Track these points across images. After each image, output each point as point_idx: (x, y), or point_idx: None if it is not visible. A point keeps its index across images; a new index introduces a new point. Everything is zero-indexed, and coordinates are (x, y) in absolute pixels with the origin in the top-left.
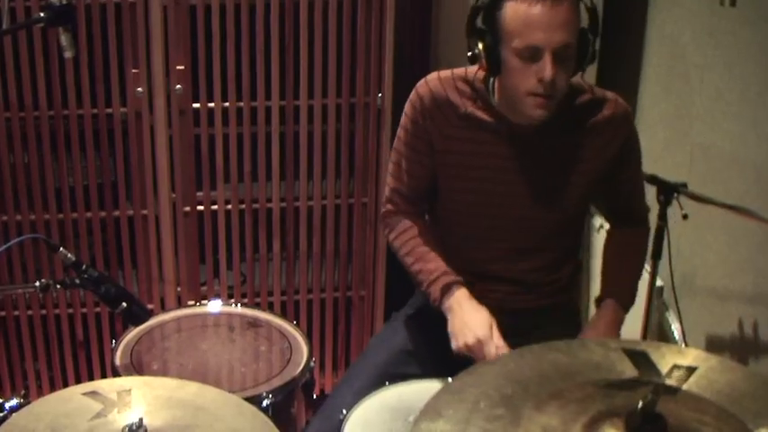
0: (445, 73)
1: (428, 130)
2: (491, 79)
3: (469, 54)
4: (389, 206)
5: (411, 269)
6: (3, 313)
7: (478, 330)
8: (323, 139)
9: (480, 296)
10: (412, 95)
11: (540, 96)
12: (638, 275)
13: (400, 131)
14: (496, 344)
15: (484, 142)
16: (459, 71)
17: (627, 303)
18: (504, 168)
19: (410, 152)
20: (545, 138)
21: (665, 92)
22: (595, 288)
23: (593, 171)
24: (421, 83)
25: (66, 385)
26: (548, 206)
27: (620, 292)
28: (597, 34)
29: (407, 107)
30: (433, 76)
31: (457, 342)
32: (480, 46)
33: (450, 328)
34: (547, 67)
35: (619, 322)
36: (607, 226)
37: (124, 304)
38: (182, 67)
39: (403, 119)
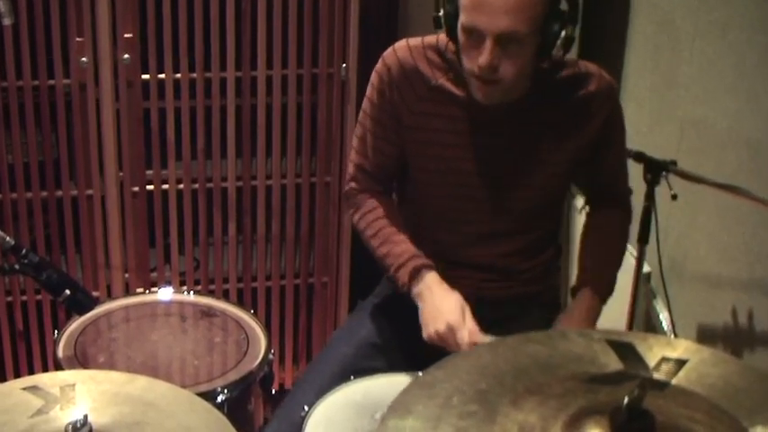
0: (415, 41)
1: (395, 104)
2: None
3: (434, 16)
4: (353, 184)
5: (377, 252)
6: None
7: (450, 316)
8: (283, 113)
9: (452, 284)
10: (378, 65)
11: (479, 80)
12: (618, 263)
13: (365, 104)
14: (470, 330)
15: (455, 118)
16: (431, 39)
17: (604, 294)
18: (477, 146)
19: (376, 127)
20: (522, 113)
21: (652, 62)
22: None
23: (573, 149)
24: (389, 51)
25: (4, 379)
26: (525, 186)
27: (596, 281)
28: (575, 22)
29: (374, 77)
30: (401, 44)
31: (427, 330)
32: (441, 12)
33: (420, 317)
34: (485, 53)
35: (594, 314)
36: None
37: (67, 292)
38: (130, 35)
39: (369, 90)
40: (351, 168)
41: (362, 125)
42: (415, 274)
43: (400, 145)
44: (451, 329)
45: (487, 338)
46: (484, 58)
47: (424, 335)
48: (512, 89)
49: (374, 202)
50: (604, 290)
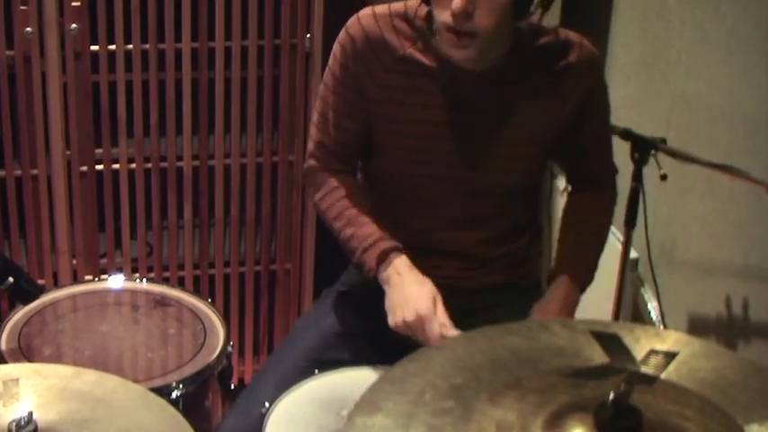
0: (381, 9)
1: (360, 77)
2: (432, 17)
3: None
4: (313, 161)
5: (341, 235)
6: None
7: (420, 305)
8: (242, 87)
9: (424, 273)
10: (341, 35)
11: (452, 32)
12: (600, 248)
13: (327, 77)
14: (441, 322)
15: (424, 91)
16: (398, 6)
17: (583, 281)
18: (448, 122)
19: (338, 102)
20: (497, 86)
21: (640, 33)
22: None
23: (553, 125)
24: (352, 20)
25: None
26: (500, 165)
27: (576, 267)
28: None
29: (336, 49)
30: (366, 12)
31: (395, 318)
32: None
33: (387, 303)
34: None
35: (572, 303)
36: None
37: (11, 279)
38: (77, 3)
39: (331, 62)
40: (310, 145)
41: (324, 100)
42: (384, 258)
43: (365, 121)
44: (421, 320)
45: (459, 333)
46: (457, 1)
47: (391, 322)
48: (488, 50)
49: (336, 181)
50: (584, 277)
